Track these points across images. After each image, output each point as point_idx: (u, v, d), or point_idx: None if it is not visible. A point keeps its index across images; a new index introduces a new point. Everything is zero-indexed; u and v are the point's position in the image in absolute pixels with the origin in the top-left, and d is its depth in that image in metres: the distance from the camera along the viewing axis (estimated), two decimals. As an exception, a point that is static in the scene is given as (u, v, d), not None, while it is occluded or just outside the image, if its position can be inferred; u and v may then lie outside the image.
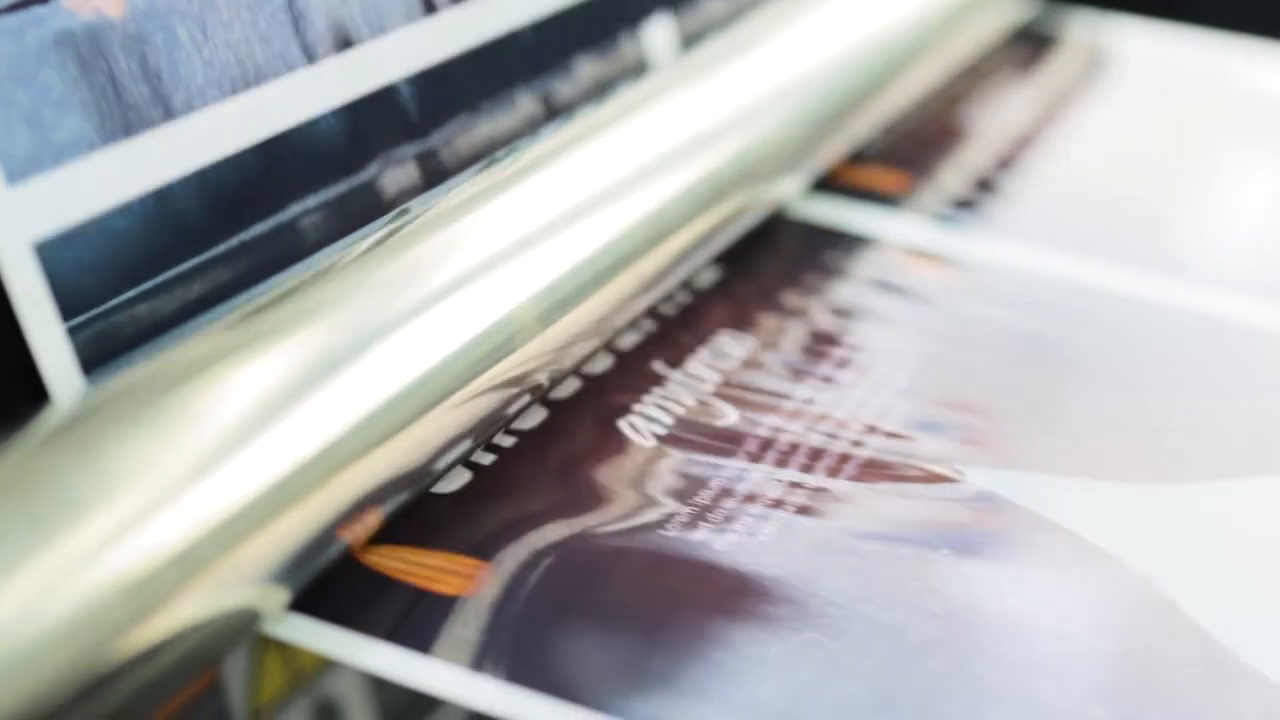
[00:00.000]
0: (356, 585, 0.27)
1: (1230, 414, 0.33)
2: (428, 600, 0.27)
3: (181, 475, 0.23)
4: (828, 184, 0.41)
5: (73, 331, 0.25)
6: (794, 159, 0.38)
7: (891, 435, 0.32)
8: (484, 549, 0.28)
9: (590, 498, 0.29)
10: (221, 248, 0.28)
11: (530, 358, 0.29)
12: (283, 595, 0.25)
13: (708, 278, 0.37)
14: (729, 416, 0.32)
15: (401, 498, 0.27)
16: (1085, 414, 0.33)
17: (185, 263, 0.27)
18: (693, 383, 0.33)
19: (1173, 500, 0.31)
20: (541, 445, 0.31)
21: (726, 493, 0.30)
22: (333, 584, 0.27)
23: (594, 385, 0.32)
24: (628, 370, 0.33)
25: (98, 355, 0.25)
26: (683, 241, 0.34)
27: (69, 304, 0.25)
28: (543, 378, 0.30)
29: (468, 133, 0.33)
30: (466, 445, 0.29)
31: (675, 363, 0.33)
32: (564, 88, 0.36)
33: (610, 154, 0.33)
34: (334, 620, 0.26)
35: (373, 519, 0.27)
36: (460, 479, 0.29)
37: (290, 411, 0.25)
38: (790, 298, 0.36)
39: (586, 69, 0.36)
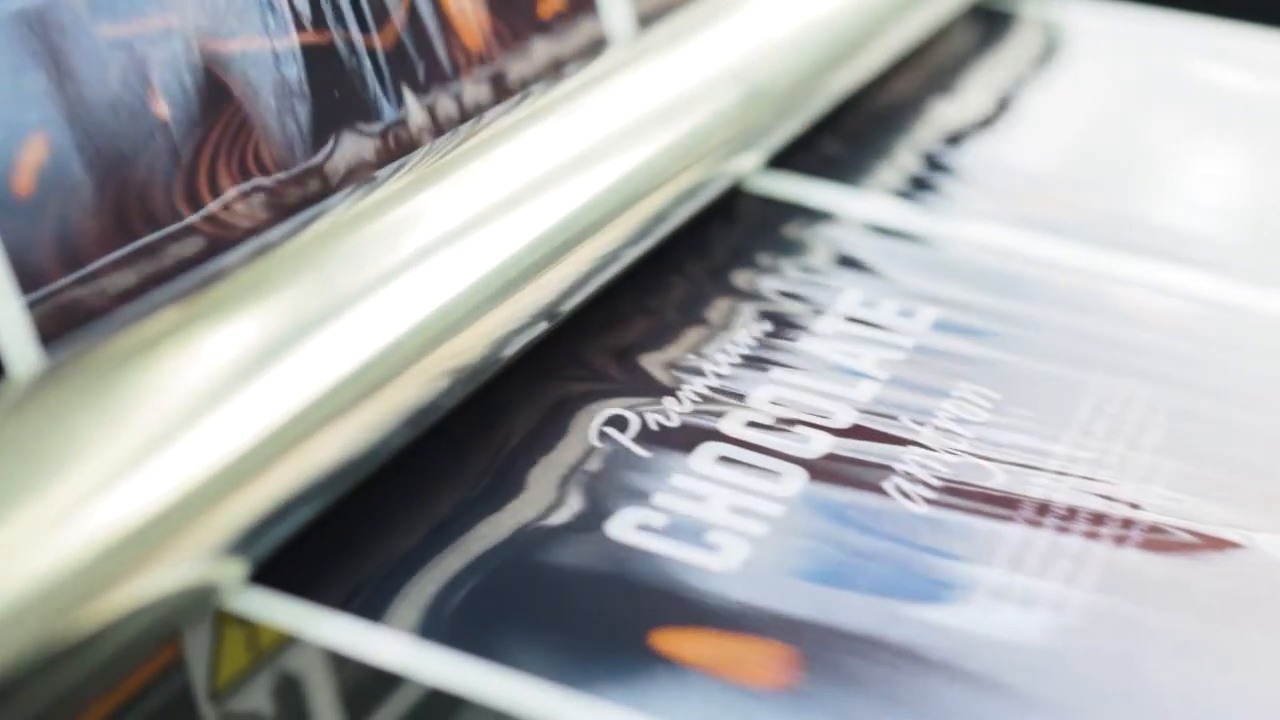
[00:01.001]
0: (315, 557, 0.27)
1: None
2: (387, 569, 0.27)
3: (138, 449, 0.23)
4: (786, 161, 0.41)
5: (31, 306, 0.25)
6: (751, 136, 0.38)
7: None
8: None
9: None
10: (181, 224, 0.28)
11: (485, 334, 0.29)
12: (241, 568, 0.25)
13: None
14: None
15: (359, 474, 0.27)
16: None
17: (145, 237, 0.27)
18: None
19: None
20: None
21: None
22: (292, 556, 0.27)
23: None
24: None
25: (55, 329, 0.25)
26: (639, 218, 0.34)
27: (27, 278, 0.25)
28: (500, 354, 0.30)
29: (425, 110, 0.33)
30: (425, 421, 0.29)
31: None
32: (521, 65, 0.36)
33: (568, 131, 0.33)
34: (292, 592, 0.26)
35: (330, 493, 0.27)
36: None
37: (247, 386, 0.25)
38: (743, 277, 0.37)
39: (543, 47, 0.36)
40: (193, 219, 0.28)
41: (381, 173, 0.31)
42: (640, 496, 0.29)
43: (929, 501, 0.29)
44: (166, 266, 0.27)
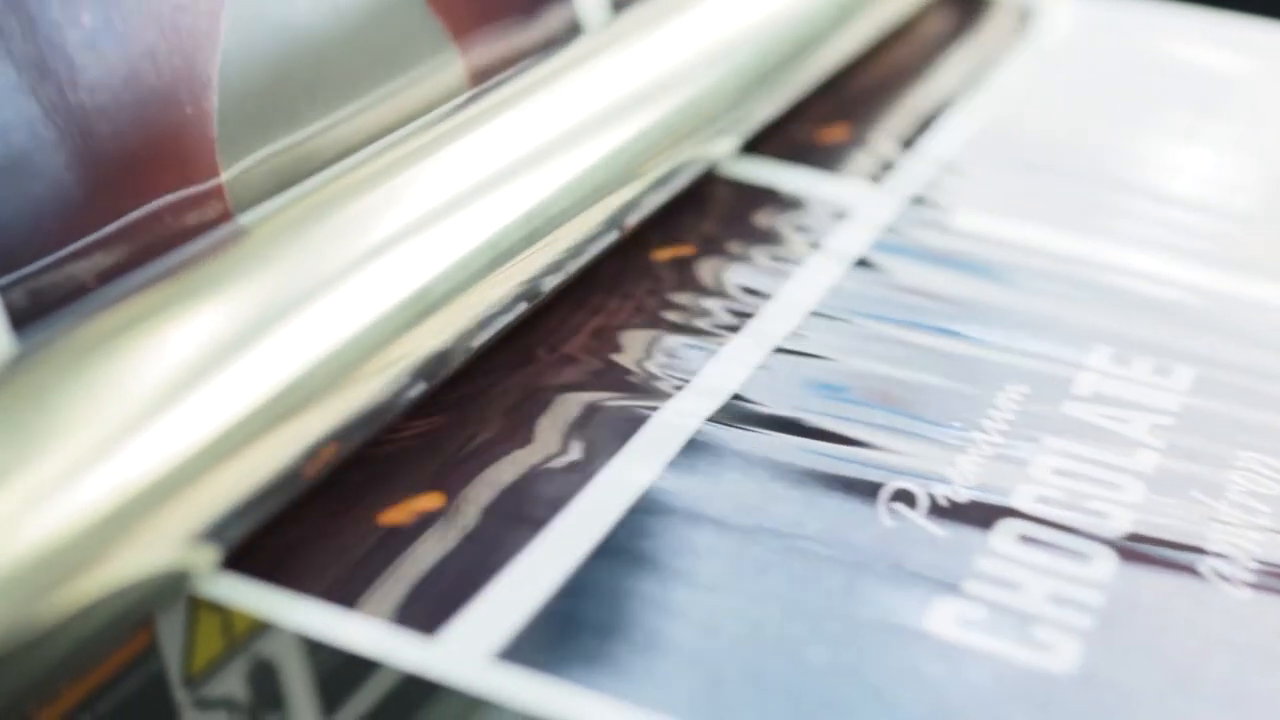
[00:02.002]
0: (291, 542, 0.27)
1: None
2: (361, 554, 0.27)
3: (109, 435, 0.23)
4: (762, 145, 0.41)
5: (2, 290, 0.25)
6: (727, 119, 0.38)
7: None
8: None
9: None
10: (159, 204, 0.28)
11: (458, 321, 0.29)
12: (214, 554, 0.25)
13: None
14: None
15: (337, 454, 0.27)
16: None
17: (119, 221, 0.27)
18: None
19: None
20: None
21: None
22: (266, 542, 0.27)
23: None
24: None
25: (27, 314, 0.25)
26: (618, 201, 0.34)
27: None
28: (473, 342, 0.30)
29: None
30: (402, 404, 0.29)
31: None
32: (493, 50, 0.36)
33: (542, 116, 0.33)
34: (267, 578, 0.26)
35: (310, 471, 0.27)
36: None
37: (221, 371, 0.25)
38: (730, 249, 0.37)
39: (516, 32, 0.36)
40: (169, 199, 0.28)
41: (355, 158, 0.31)
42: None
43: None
44: (141, 249, 0.27)
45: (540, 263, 0.32)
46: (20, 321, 0.25)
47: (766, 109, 0.40)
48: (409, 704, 0.42)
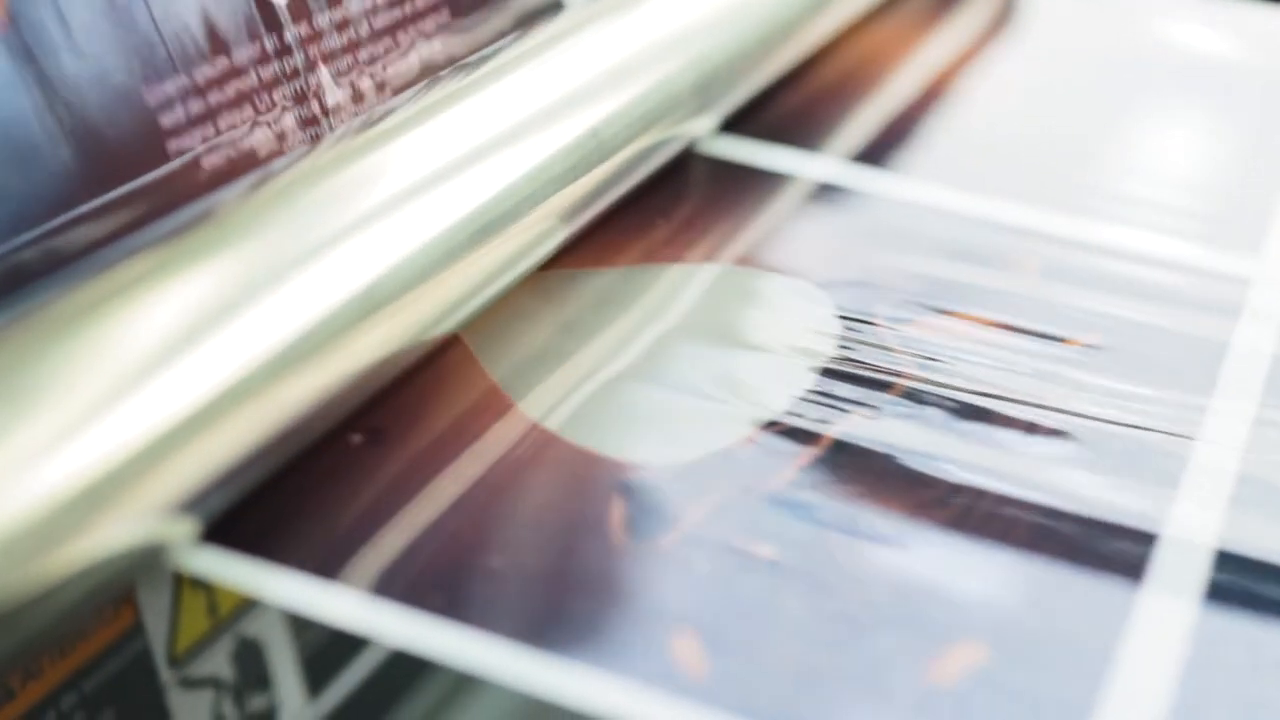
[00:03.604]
0: (270, 515, 0.27)
1: None
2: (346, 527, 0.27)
3: (87, 406, 0.23)
4: (741, 124, 0.41)
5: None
6: (706, 98, 0.38)
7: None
8: None
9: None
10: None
11: (437, 298, 0.30)
12: (193, 527, 0.25)
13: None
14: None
15: (314, 431, 0.28)
16: None
17: (101, 196, 0.27)
18: None
19: None
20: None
21: None
22: (247, 515, 0.27)
23: None
24: None
25: (2, 289, 0.25)
26: (597, 178, 0.34)
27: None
28: (452, 317, 0.30)
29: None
30: (382, 379, 0.29)
31: None
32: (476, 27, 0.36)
33: (521, 93, 0.33)
34: (248, 551, 0.26)
35: (284, 451, 0.27)
36: None
37: (199, 343, 0.25)
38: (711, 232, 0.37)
39: (498, 9, 0.36)
40: (147, 179, 0.28)
41: (336, 133, 0.31)
42: None
43: None
44: (117, 227, 0.27)
45: (507, 250, 0.32)
46: (-3, 297, 0.25)
47: (745, 89, 0.40)
48: (396, 682, 0.42)
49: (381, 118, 0.31)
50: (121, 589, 0.24)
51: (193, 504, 0.25)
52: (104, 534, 0.23)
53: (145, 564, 0.24)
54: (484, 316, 0.32)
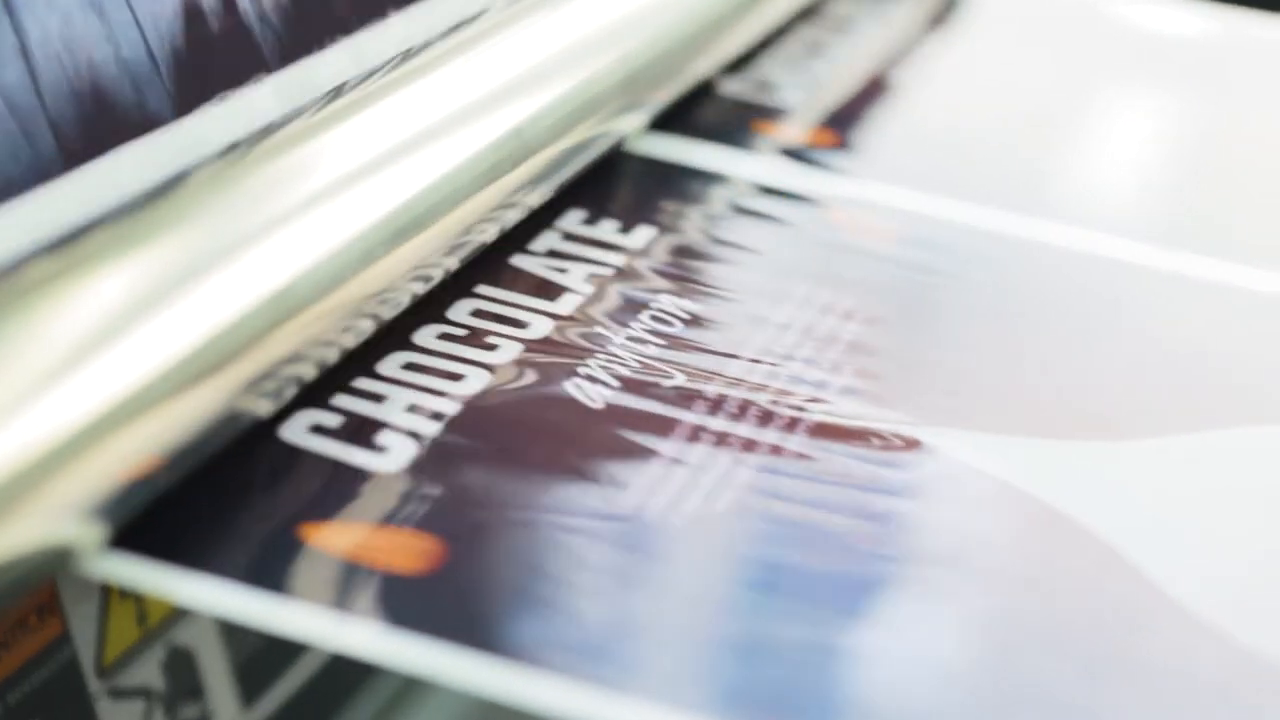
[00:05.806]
0: (185, 519, 0.27)
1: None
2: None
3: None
4: (675, 122, 0.41)
5: None
6: (636, 94, 0.38)
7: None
8: None
9: None
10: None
11: (357, 293, 0.29)
12: (100, 531, 0.25)
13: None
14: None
15: (227, 436, 0.27)
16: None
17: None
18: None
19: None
20: None
21: None
22: (160, 516, 0.26)
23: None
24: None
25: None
26: (526, 173, 0.34)
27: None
28: (383, 310, 0.30)
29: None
30: (300, 376, 0.29)
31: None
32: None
33: (451, 86, 0.33)
34: (161, 556, 0.26)
35: (205, 450, 0.27)
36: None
37: (116, 341, 0.24)
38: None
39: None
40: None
41: (272, 122, 0.31)
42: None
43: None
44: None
45: (436, 243, 0.31)
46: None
47: (676, 86, 0.40)
48: (333, 691, 0.42)
49: (296, 116, 0.31)
50: (22, 589, 0.24)
51: (101, 508, 0.25)
52: (5, 535, 0.23)
53: (48, 569, 0.24)
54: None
